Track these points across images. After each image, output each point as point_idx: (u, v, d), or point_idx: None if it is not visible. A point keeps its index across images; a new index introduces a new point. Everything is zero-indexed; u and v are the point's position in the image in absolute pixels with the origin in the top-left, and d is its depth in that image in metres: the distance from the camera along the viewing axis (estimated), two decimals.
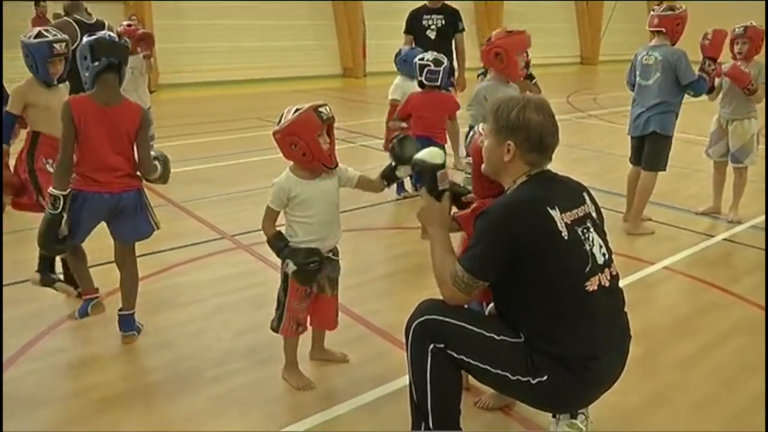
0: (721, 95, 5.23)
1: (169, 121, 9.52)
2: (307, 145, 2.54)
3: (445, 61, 4.79)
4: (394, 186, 5.89)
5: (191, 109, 11.65)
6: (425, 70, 4.64)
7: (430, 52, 4.89)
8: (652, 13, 4.85)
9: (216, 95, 13.59)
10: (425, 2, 6.47)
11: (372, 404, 2.74)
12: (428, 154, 2.42)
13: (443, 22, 6.33)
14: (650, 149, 4.83)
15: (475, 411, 2.63)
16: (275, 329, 2.82)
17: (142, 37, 5.95)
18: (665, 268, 4.32)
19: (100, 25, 5.64)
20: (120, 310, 3.25)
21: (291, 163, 2.68)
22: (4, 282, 3.74)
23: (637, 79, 4.88)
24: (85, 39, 2.99)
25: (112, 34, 3.12)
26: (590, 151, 7.82)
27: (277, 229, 2.71)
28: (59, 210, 2.96)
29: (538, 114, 2.13)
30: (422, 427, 2.18)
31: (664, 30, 4.72)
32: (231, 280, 4.03)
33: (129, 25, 6.08)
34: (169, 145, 7.74)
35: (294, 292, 2.74)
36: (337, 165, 2.68)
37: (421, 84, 4.73)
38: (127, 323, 3.25)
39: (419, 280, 4.09)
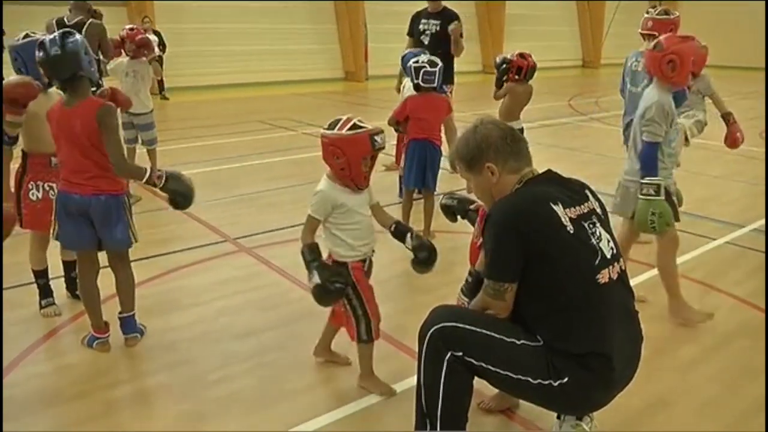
0: None
1: (171, 125, 9.56)
2: (349, 164, 2.63)
3: (440, 62, 4.79)
4: (397, 189, 5.90)
5: (193, 112, 11.67)
6: (421, 72, 4.65)
7: (423, 54, 4.90)
8: (646, 16, 4.74)
9: (218, 98, 13.60)
10: (426, 6, 6.45)
11: (377, 406, 2.74)
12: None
13: (437, 27, 6.24)
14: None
15: (477, 413, 2.63)
16: (368, 340, 2.80)
17: (139, 44, 5.92)
18: None
19: (79, 25, 5.64)
20: (120, 312, 3.26)
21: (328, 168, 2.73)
22: (5, 285, 3.76)
23: (628, 86, 4.79)
24: (42, 37, 2.95)
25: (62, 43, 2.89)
26: (592, 154, 7.83)
27: (315, 241, 2.73)
28: None
29: (490, 125, 2.25)
30: (428, 427, 2.19)
31: (657, 34, 4.64)
32: (234, 283, 4.03)
33: (132, 29, 6.06)
34: (171, 149, 7.80)
35: (369, 296, 2.78)
36: (366, 185, 2.78)
37: (417, 87, 4.73)
38: (129, 325, 3.26)
39: (422, 283, 4.08)
